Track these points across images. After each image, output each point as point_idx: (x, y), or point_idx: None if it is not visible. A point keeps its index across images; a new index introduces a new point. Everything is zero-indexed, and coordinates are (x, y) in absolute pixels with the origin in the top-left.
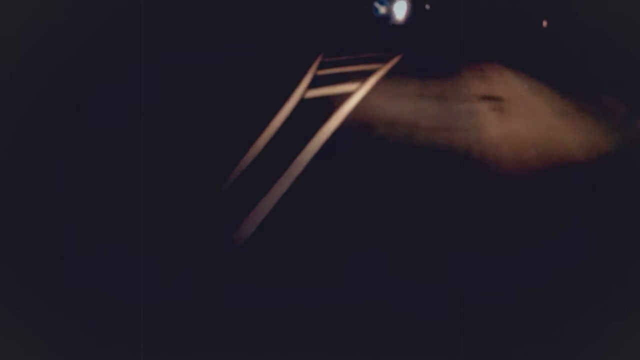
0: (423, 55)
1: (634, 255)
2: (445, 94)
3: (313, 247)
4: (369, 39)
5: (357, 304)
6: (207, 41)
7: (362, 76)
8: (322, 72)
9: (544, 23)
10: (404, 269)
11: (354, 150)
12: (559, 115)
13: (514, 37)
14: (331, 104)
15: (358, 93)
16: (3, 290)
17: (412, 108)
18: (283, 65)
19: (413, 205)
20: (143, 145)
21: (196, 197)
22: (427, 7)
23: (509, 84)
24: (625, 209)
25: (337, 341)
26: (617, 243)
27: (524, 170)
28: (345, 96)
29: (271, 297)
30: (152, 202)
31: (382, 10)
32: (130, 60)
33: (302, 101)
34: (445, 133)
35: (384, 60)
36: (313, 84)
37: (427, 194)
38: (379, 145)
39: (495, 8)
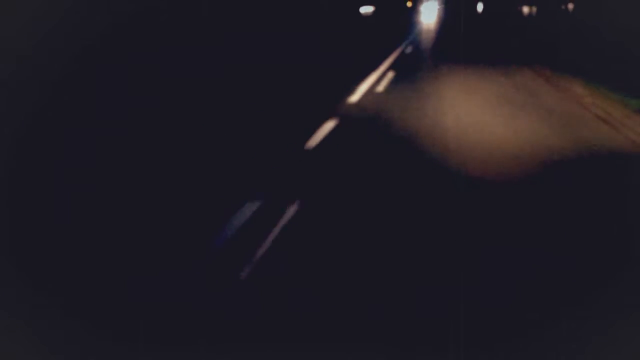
0: None
1: (631, 255)
2: None
3: (312, 247)
4: None
5: (356, 304)
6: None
7: None
8: None
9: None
10: (403, 268)
11: None
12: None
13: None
14: None
15: None
16: (3, 290)
17: None
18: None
19: (410, 205)
20: (143, 144)
21: (197, 196)
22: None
23: None
24: (623, 208)
25: (337, 341)
26: (615, 243)
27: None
28: None
29: (271, 297)
30: (152, 201)
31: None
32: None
33: None
34: None
35: None
36: None
37: (423, 187)
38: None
39: None
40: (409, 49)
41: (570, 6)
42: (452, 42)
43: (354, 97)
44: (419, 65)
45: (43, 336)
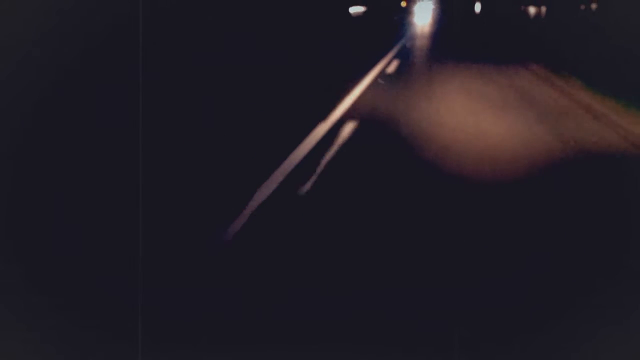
0: None
1: (629, 256)
2: None
3: (311, 247)
4: None
5: (354, 304)
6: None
7: None
8: None
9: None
10: (401, 271)
11: None
12: None
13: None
14: None
15: None
16: (3, 290)
17: None
18: None
19: (408, 205)
20: (141, 145)
21: (194, 196)
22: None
23: None
24: (621, 208)
25: (335, 341)
26: (614, 243)
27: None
28: None
29: (269, 297)
30: (151, 202)
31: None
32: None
33: None
34: None
35: None
36: None
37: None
38: None
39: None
40: (392, 66)
41: (594, 5)
42: (449, 50)
43: (234, 227)
44: (402, 99)
45: (43, 336)
